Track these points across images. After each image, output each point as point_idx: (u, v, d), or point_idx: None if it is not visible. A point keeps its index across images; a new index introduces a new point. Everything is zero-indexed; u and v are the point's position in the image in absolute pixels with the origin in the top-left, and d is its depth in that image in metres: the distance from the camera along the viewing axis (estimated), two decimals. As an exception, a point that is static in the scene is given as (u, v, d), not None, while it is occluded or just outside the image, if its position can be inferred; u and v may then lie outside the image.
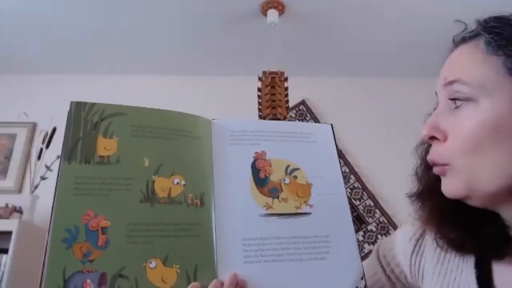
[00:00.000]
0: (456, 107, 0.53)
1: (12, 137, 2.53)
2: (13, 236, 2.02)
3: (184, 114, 0.67)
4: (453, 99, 0.53)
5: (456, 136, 0.52)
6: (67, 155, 0.59)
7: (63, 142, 0.60)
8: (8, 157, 2.48)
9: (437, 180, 0.57)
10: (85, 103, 0.64)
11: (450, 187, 0.54)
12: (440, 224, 0.60)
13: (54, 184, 0.57)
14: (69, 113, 0.62)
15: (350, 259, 0.63)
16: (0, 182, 2.43)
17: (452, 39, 0.59)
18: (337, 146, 0.73)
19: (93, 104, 0.64)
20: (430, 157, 0.56)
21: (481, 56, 0.52)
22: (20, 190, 2.41)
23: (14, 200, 2.24)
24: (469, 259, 0.58)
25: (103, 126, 0.62)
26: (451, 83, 0.54)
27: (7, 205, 2.18)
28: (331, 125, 0.75)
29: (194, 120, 0.68)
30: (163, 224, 0.58)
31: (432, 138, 0.55)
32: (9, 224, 2.07)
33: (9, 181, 2.43)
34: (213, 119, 0.70)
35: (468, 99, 0.51)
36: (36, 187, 2.25)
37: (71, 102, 0.63)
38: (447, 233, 0.59)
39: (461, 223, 0.57)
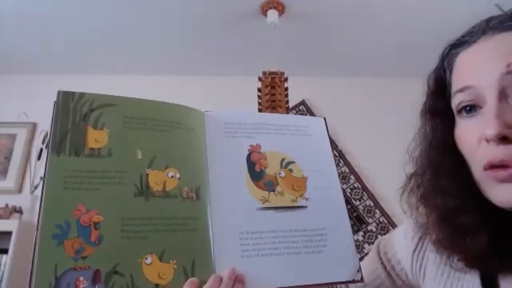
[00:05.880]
0: None
1: (12, 137, 2.52)
2: (13, 236, 2.02)
3: (176, 105, 0.66)
4: None
5: None
6: (55, 147, 0.56)
7: (51, 134, 0.57)
8: (8, 157, 2.48)
9: (470, 191, 0.53)
10: (73, 93, 0.61)
11: None
12: (455, 243, 0.54)
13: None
14: (56, 103, 0.59)
15: (346, 252, 0.63)
16: (0, 182, 2.43)
17: (489, 24, 0.53)
18: (331, 139, 0.73)
19: (82, 94, 0.61)
20: (507, 158, 0.48)
21: None
22: (20, 190, 2.40)
23: (14, 200, 2.24)
24: None
25: (93, 117, 0.60)
26: None
27: (7, 205, 2.18)
28: (324, 118, 0.75)
29: (187, 111, 0.66)
30: (158, 219, 0.57)
31: (503, 138, 0.48)
32: (9, 224, 2.07)
33: (9, 181, 2.42)
34: (206, 111, 0.69)
35: None
36: (36, 187, 2.25)
37: (59, 91, 0.60)
38: (462, 252, 0.54)
39: (475, 239, 0.52)
